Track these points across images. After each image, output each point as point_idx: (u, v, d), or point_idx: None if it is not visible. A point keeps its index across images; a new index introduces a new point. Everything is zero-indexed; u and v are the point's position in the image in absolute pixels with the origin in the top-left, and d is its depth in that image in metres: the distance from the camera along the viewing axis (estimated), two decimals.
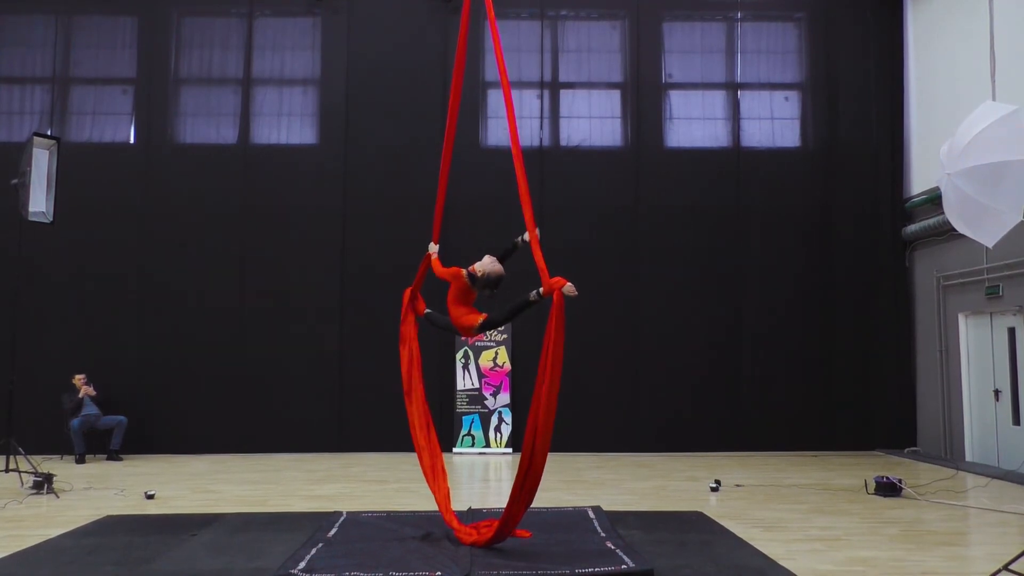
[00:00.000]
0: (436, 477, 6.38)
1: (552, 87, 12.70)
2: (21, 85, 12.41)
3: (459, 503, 7.80)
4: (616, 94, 12.83)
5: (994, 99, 7.77)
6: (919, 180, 12.32)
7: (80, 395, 11.17)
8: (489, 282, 5.90)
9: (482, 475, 10.48)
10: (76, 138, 12.17)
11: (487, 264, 5.93)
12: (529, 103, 12.64)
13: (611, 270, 12.36)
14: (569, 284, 5.36)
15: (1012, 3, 9.74)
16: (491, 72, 12.64)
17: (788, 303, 12.41)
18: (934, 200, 11.27)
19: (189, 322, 11.98)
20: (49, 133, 11.36)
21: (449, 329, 6.36)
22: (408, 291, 6.74)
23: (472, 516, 6.88)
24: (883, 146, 12.64)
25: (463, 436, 11.96)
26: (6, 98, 12.38)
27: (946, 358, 11.58)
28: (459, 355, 12.06)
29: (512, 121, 6.14)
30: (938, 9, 11.99)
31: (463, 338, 6.42)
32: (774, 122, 12.78)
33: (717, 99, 12.81)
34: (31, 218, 9.67)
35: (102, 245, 11.99)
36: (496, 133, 12.51)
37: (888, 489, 8.34)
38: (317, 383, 12.05)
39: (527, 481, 5.59)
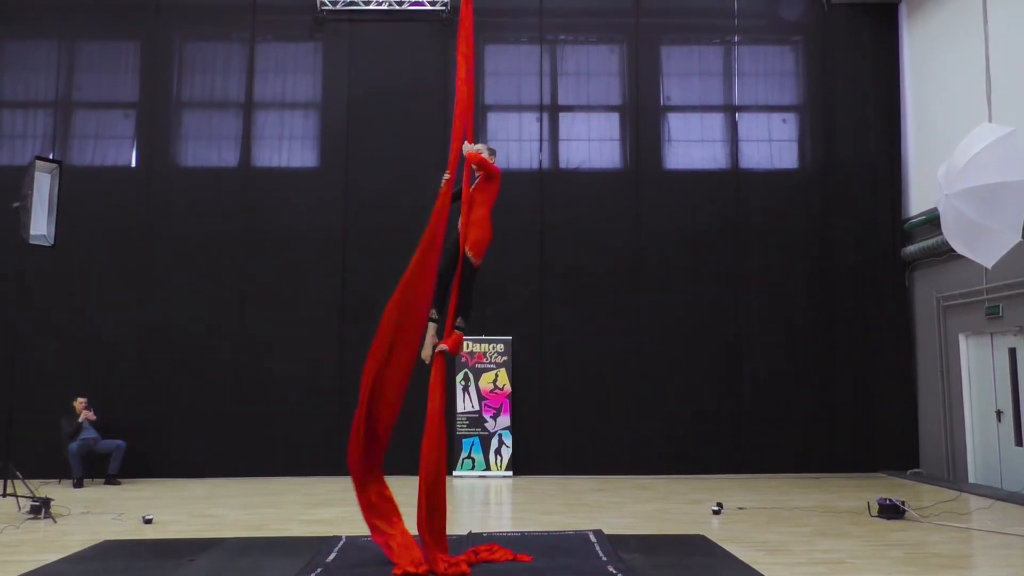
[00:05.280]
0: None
1: (552, 110, 12.77)
2: (24, 109, 12.48)
3: (459, 527, 7.76)
4: (615, 117, 12.90)
5: (990, 120, 7.82)
6: (917, 201, 12.35)
7: (80, 419, 11.13)
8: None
9: (482, 498, 10.42)
10: (78, 161, 12.22)
11: (483, 150, 6.72)
12: (529, 126, 12.73)
13: (611, 292, 12.37)
14: (443, 346, 6.32)
15: (1007, 25, 9.83)
16: (490, 95, 12.74)
17: (788, 324, 12.39)
18: (933, 221, 11.29)
19: (189, 345, 11.95)
20: (51, 156, 11.38)
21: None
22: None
23: (472, 540, 6.82)
24: (881, 167, 12.70)
25: (463, 459, 11.90)
26: (9, 122, 12.45)
27: (947, 379, 11.56)
28: (459, 377, 12.04)
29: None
30: (934, 31, 12.09)
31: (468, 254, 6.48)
32: (772, 144, 12.85)
33: (715, 121, 12.88)
34: (32, 241, 9.68)
35: (103, 269, 11.98)
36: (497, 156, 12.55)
37: (891, 511, 8.29)
38: (317, 407, 12.00)
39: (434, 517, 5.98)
